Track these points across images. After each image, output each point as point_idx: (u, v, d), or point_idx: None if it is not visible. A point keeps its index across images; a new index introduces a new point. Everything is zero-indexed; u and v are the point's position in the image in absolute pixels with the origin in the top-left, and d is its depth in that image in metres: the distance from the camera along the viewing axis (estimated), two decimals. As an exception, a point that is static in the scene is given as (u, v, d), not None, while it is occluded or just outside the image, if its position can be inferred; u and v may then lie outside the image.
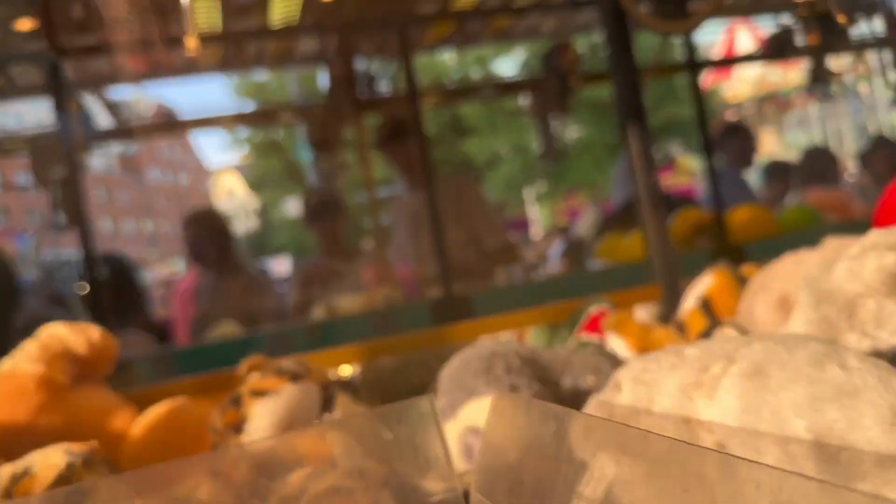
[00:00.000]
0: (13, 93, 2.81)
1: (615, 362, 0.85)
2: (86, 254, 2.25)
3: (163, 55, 2.51)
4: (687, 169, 10.51)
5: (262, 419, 0.76)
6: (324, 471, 0.56)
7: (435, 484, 0.50)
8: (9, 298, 2.69)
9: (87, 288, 2.39)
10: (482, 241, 3.05)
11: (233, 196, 16.78)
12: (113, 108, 3.20)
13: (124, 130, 3.15)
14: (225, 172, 16.66)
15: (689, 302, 1.02)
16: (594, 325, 1.15)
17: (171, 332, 3.28)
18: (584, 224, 4.75)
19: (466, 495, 0.50)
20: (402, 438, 0.51)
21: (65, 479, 0.58)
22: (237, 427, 0.77)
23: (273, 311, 3.23)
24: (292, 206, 13.57)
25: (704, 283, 1.01)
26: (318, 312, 2.57)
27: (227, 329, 2.54)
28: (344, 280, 3.13)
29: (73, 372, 0.98)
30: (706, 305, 0.97)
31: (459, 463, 0.75)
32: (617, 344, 1.04)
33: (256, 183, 15.85)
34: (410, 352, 1.31)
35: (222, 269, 3.06)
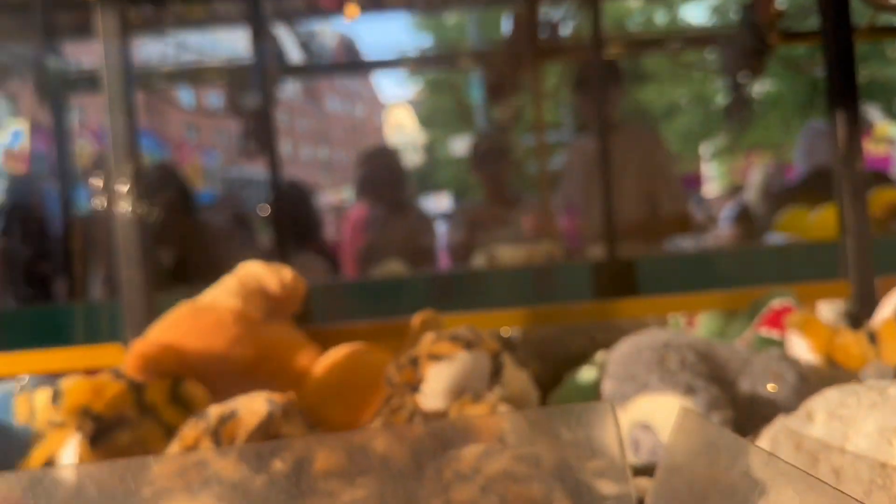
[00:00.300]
0: (212, 22, 3.00)
1: (799, 371, 0.81)
2: (271, 178, 2.40)
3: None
4: (884, 136, 9.57)
5: (436, 382, 0.80)
6: (496, 450, 0.59)
7: (608, 487, 0.51)
8: (185, 212, 2.94)
9: (269, 210, 2.56)
10: (658, 202, 2.95)
11: (403, 130, 17.18)
12: (303, 42, 3.35)
13: (312, 66, 3.29)
14: (398, 106, 17.05)
15: (886, 310, 0.95)
16: (776, 320, 1.10)
17: (339, 259, 3.47)
18: (752, 185, 4.46)
19: (640, 502, 0.50)
20: (578, 438, 0.52)
21: (265, 425, 0.64)
22: (413, 386, 0.81)
23: (435, 251, 3.33)
24: (458, 146, 13.71)
25: (907, 292, 0.93)
26: (478, 260, 2.61)
27: (392, 267, 2.65)
28: (506, 227, 3.16)
29: (266, 308, 1.07)
30: (907, 318, 0.90)
31: (627, 455, 0.75)
32: (799, 344, 0.99)
33: (426, 119, 16.11)
34: (572, 320, 1.31)
35: (392, 206, 3.18)
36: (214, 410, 0.69)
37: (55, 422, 0.88)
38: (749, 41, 3.14)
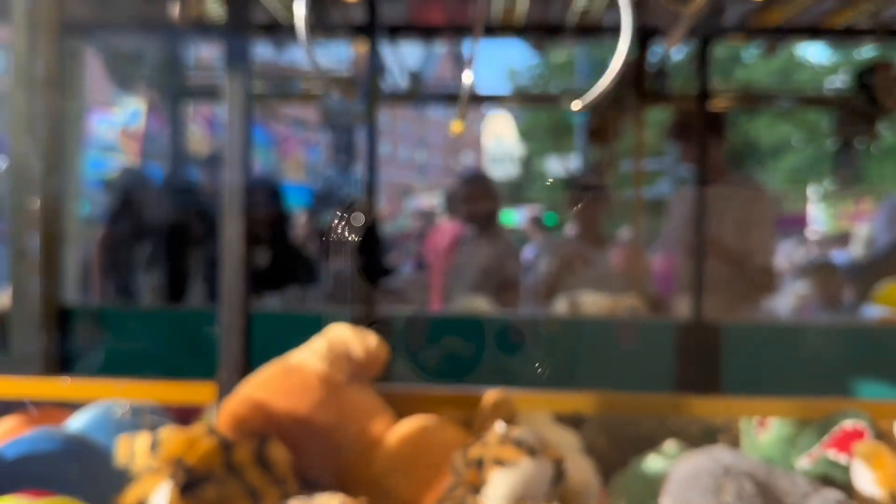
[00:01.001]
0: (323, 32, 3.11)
1: (855, 522, 0.81)
2: (368, 188, 2.49)
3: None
4: None
5: (499, 488, 0.85)
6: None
7: None
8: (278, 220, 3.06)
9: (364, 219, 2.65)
10: (749, 260, 2.89)
11: (500, 141, 17.25)
12: (409, 69, 3.43)
13: (416, 93, 3.38)
14: (498, 116, 17.13)
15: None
16: (845, 444, 1.09)
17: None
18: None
19: None
20: None
21: (338, 528, 0.71)
22: (476, 487, 0.86)
23: (519, 281, 3.37)
24: (553, 164, 13.68)
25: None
26: (560, 306, 2.63)
27: (477, 303, 2.70)
28: (595, 269, 3.16)
29: (350, 372, 1.14)
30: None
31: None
32: (864, 476, 0.99)
33: (525, 132, 16.14)
34: (645, 411, 1.33)
35: (484, 232, 3.24)
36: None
37: (151, 467, 0.98)
38: (864, 105, 3.05)
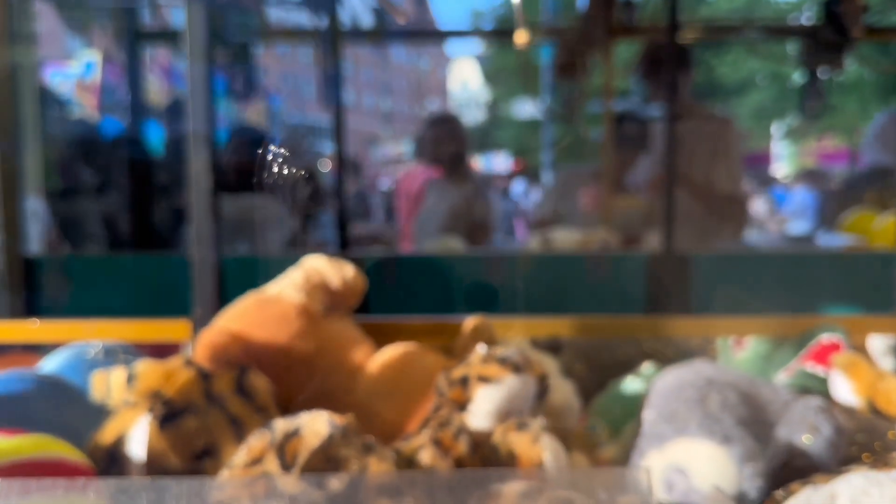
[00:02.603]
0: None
1: (836, 424, 0.83)
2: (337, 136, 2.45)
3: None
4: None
5: (484, 404, 0.84)
6: (535, 491, 0.63)
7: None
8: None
9: (330, 166, 2.61)
10: (717, 190, 2.91)
11: (467, 86, 17.09)
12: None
13: (380, 32, 3.31)
14: (463, 61, 16.94)
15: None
16: (823, 356, 1.11)
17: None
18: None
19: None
20: (615, 501, 0.56)
21: (325, 446, 0.70)
22: (462, 405, 0.86)
23: (491, 224, 3.37)
24: (521, 108, 13.61)
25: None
26: (533, 243, 2.64)
27: (451, 244, 2.70)
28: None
29: (327, 303, 1.13)
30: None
31: (659, 494, 0.79)
32: (842, 385, 1.01)
33: (491, 76, 15.99)
34: (622, 333, 1.34)
35: (453, 175, 3.22)
36: (280, 425, 0.74)
37: (128, 401, 0.96)
38: (830, 35, 3.04)
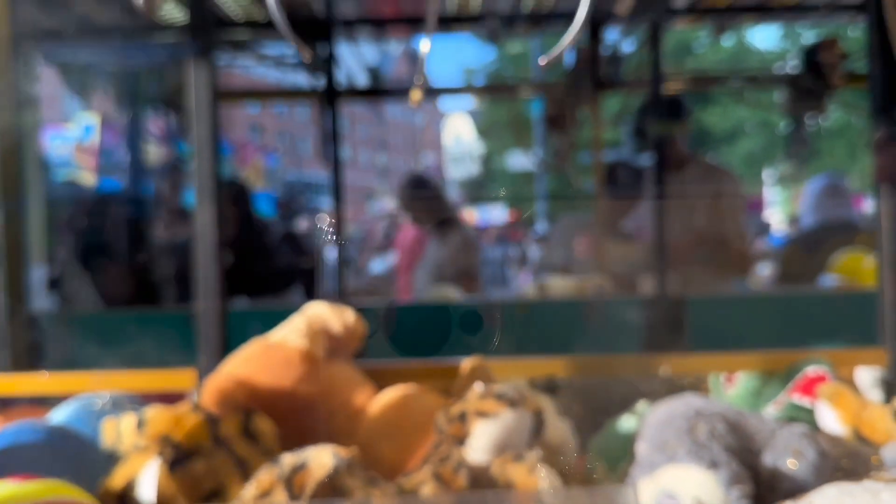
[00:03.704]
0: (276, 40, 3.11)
1: (820, 449, 0.86)
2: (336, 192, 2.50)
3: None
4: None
5: (482, 439, 0.88)
6: (533, 515, 0.66)
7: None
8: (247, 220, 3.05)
9: (328, 220, 2.66)
10: (722, 241, 2.92)
11: (461, 140, 17.36)
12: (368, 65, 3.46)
13: (375, 90, 3.40)
14: (457, 116, 17.23)
15: (914, 390, 0.99)
16: (809, 388, 1.14)
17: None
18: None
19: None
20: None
21: (331, 477, 0.73)
22: (460, 440, 0.89)
23: (479, 271, 3.42)
24: (514, 160, 13.82)
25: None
26: (530, 290, 2.69)
27: (447, 293, 2.74)
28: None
29: (329, 348, 1.16)
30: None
31: (651, 519, 0.82)
32: (828, 415, 1.04)
33: (484, 130, 16.26)
34: (617, 372, 1.37)
35: (437, 231, 3.28)
36: (287, 459, 0.78)
37: (138, 446, 0.99)
38: (811, 83, 3.14)
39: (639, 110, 3.10)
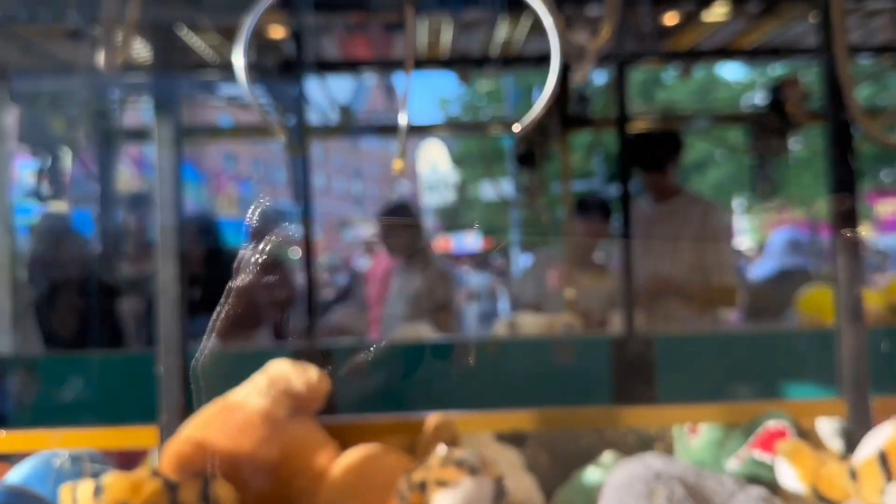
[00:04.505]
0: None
1: (776, 515, 0.87)
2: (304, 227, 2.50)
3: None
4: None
5: (441, 509, 0.87)
6: None
7: None
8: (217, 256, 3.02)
9: (300, 253, 2.65)
10: (708, 276, 2.92)
11: (435, 168, 17.44)
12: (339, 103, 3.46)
13: (347, 128, 3.41)
14: (432, 145, 17.33)
15: (867, 449, 1.01)
16: (769, 443, 1.16)
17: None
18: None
19: None
20: None
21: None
22: (420, 509, 0.89)
23: (453, 304, 3.41)
24: (488, 189, 13.91)
25: (885, 435, 0.99)
26: (500, 328, 2.69)
27: (419, 330, 2.73)
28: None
29: (291, 407, 1.16)
30: (883, 460, 0.96)
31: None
32: (787, 472, 1.05)
33: (459, 158, 16.34)
34: (583, 424, 1.38)
35: (412, 262, 3.26)
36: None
37: (96, 514, 0.97)
38: (775, 121, 3.21)
39: (631, 142, 3.14)
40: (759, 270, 3.90)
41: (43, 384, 2.18)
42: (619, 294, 2.58)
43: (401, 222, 3.35)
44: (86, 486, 0.99)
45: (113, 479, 0.99)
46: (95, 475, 1.05)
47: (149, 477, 0.98)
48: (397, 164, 1.14)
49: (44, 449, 1.33)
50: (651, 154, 2.97)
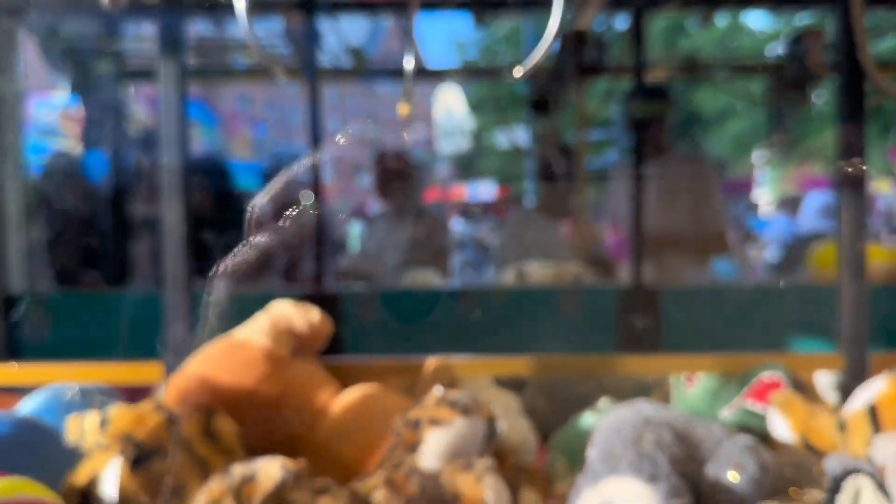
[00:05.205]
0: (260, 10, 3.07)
1: (761, 462, 0.89)
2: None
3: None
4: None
5: (434, 446, 0.90)
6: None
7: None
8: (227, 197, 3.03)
9: (312, 196, 2.66)
10: (700, 229, 2.98)
11: (451, 115, 17.26)
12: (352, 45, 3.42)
13: (361, 70, 3.37)
14: (448, 90, 17.11)
15: (857, 402, 1.02)
16: (763, 394, 1.17)
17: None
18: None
19: None
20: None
21: (278, 490, 0.75)
22: (413, 447, 0.91)
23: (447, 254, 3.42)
24: (503, 137, 13.78)
25: (876, 388, 1.00)
26: (507, 275, 2.70)
27: (425, 277, 2.75)
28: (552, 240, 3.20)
29: (293, 347, 1.18)
30: (873, 412, 0.97)
31: (592, 529, 0.85)
32: (779, 423, 1.07)
33: (475, 105, 16.16)
34: (582, 371, 1.40)
35: (404, 210, 3.25)
36: (238, 470, 0.80)
37: (101, 444, 1.01)
38: (795, 72, 3.15)
39: (627, 95, 3.13)
40: (788, 229, 3.88)
41: (53, 321, 2.22)
42: (630, 245, 2.58)
43: (395, 169, 3.32)
44: (92, 418, 1.03)
45: (118, 411, 1.02)
46: (103, 407, 1.08)
47: (153, 410, 1.01)
48: (403, 109, 1.13)
49: (54, 382, 1.37)
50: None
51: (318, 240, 2.57)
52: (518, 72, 1.18)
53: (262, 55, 1.22)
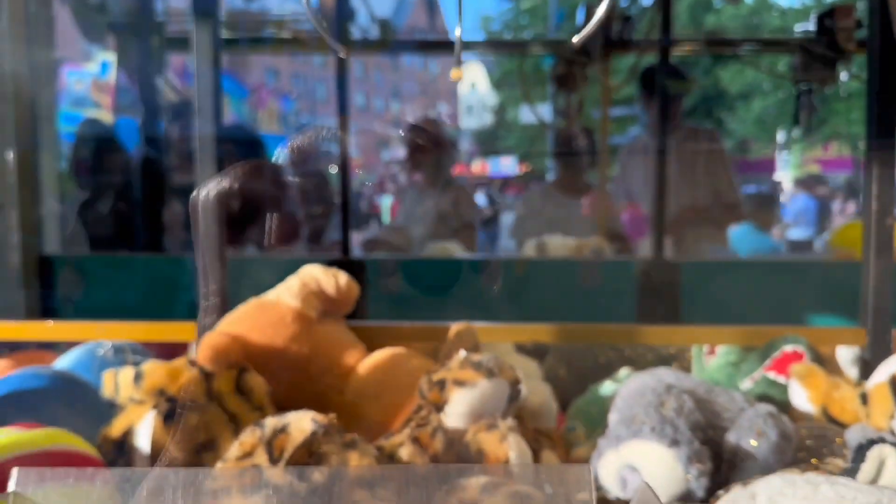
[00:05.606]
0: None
1: (782, 430, 0.90)
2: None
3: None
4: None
5: (459, 406, 0.92)
6: (496, 484, 0.71)
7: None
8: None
9: (337, 168, 2.68)
10: (714, 200, 3.03)
11: (475, 90, 17.19)
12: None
13: (386, 42, 3.37)
14: (472, 65, 17.03)
15: (881, 375, 1.03)
16: (784, 366, 1.18)
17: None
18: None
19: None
20: (558, 495, 0.63)
21: (308, 442, 0.78)
22: (439, 406, 0.94)
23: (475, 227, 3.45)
24: (527, 112, 13.70)
25: (900, 362, 1.01)
26: (528, 248, 2.71)
27: (449, 248, 2.78)
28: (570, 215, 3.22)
29: (322, 309, 1.21)
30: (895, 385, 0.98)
31: (613, 490, 0.87)
32: (799, 394, 1.08)
33: (499, 80, 16.09)
34: (603, 340, 1.42)
35: (435, 181, 3.27)
36: (270, 423, 0.83)
37: (135, 399, 1.04)
38: (823, 49, 3.10)
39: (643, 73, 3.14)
40: (810, 207, 3.85)
41: (87, 283, 2.27)
42: (651, 219, 2.59)
43: (426, 141, 3.34)
44: (126, 373, 1.06)
45: (152, 367, 1.05)
46: (136, 364, 1.12)
47: (186, 366, 1.04)
48: (455, 73, 1.14)
49: (88, 339, 1.41)
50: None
51: (343, 208, 2.59)
52: (576, 38, 1.18)
53: (317, 24, 1.21)
